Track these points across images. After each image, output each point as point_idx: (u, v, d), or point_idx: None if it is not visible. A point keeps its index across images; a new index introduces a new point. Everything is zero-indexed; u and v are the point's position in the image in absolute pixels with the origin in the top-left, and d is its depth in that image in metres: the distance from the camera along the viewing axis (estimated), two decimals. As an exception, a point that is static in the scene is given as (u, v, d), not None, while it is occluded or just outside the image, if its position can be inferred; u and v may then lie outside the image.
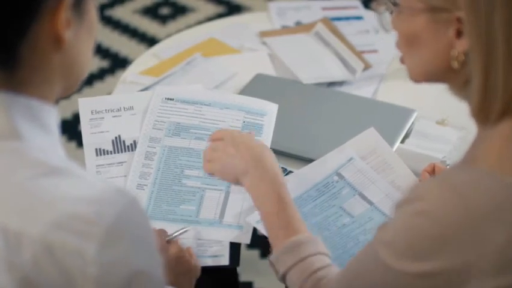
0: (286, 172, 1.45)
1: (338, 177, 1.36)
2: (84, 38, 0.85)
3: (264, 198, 1.18)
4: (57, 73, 0.84)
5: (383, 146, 1.41)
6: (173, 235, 1.30)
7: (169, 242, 1.28)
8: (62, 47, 0.81)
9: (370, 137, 1.42)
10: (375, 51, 1.89)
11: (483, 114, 0.91)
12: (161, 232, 1.29)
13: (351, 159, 1.38)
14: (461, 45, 0.90)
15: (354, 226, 1.30)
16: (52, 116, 0.86)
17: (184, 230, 1.32)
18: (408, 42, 0.98)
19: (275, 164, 1.22)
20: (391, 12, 1.01)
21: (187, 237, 1.33)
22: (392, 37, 1.94)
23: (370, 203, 1.33)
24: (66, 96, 0.91)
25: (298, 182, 1.36)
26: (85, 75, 0.90)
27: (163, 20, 3.60)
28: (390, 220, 0.93)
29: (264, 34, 1.95)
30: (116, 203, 0.79)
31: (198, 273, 1.29)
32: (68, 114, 2.96)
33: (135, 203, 0.81)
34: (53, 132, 0.86)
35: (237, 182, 1.22)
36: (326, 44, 1.89)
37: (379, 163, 1.39)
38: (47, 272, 0.77)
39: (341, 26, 1.98)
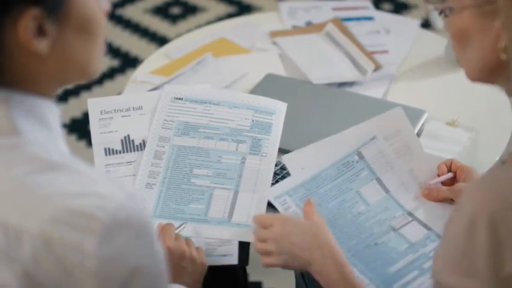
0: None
1: (359, 156, 1.35)
2: (75, 38, 0.84)
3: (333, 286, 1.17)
4: (49, 74, 0.84)
5: (408, 128, 1.38)
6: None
7: (176, 239, 1.28)
8: (41, 54, 0.81)
9: (396, 116, 1.39)
10: (385, 51, 1.89)
11: None
12: (169, 227, 1.28)
13: (373, 138, 1.36)
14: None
15: (370, 215, 1.30)
16: (52, 111, 0.86)
17: (182, 226, 1.32)
18: (458, 41, 0.96)
19: (332, 245, 1.18)
20: (440, 13, 1.00)
21: (196, 236, 1.33)
22: (402, 38, 1.94)
23: (386, 190, 1.33)
24: (75, 83, 0.91)
25: (318, 156, 1.35)
26: (91, 70, 0.89)
27: (174, 19, 3.61)
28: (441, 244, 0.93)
29: (274, 34, 1.95)
30: (115, 197, 0.79)
31: (205, 270, 1.29)
32: (78, 114, 2.96)
33: (134, 198, 0.82)
34: (53, 128, 0.86)
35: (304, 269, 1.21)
36: (337, 44, 1.89)
37: (400, 147, 1.37)
38: (46, 267, 0.77)
39: (351, 26, 1.97)
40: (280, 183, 1.32)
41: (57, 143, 0.87)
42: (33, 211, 0.77)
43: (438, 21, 1.03)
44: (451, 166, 1.36)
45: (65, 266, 0.77)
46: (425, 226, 1.29)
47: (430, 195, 1.33)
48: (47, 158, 0.81)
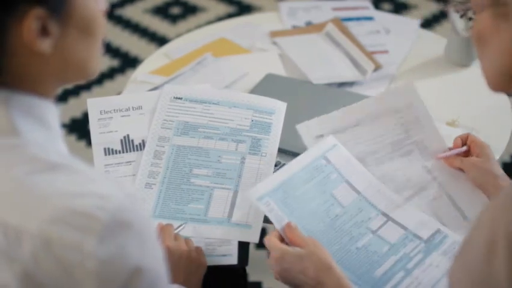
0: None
1: (326, 161, 1.35)
2: (76, 38, 0.85)
3: None
4: (49, 74, 0.85)
5: (419, 103, 1.43)
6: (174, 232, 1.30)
7: (175, 239, 1.28)
8: (44, 54, 0.81)
9: (408, 91, 1.44)
10: (385, 51, 1.88)
11: None
12: (168, 228, 1.28)
13: (335, 145, 1.37)
14: None
15: (346, 218, 1.29)
16: (51, 112, 0.87)
17: (182, 226, 1.33)
18: (478, 44, 0.91)
19: (337, 276, 1.15)
20: (461, 16, 0.96)
21: (196, 236, 1.33)
22: (402, 38, 1.92)
23: (357, 191, 1.33)
24: (74, 83, 0.92)
25: (285, 166, 1.33)
26: (90, 70, 0.89)
27: (174, 19, 3.61)
28: (458, 258, 0.90)
29: (274, 34, 1.95)
30: (115, 197, 0.79)
31: (205, 270, 1.30)
32: (78, 114, 2.96)
33: (134, 198, 0.82)
34: (53, 128, 0.86)
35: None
36: (337, 44, 1.89)
37: (411, 119, 1.41)
38: (46, 267, 0.77)
39: (351, 26, 1.97)
40: (259, 185, 1.27)
41: (56, 143, 0.87)
42: (33, 211, 0.77)
43: (458, 23, 1.02)
44: (467, 140, 1.38)
45: (65, 266, 0.77)
46: (401, 226, 1.30)
47: (447, 159, 1.38)
48: (47, 158, 0.82)
